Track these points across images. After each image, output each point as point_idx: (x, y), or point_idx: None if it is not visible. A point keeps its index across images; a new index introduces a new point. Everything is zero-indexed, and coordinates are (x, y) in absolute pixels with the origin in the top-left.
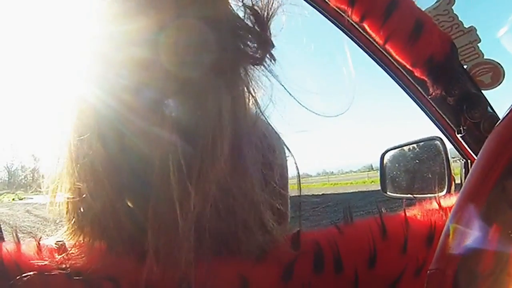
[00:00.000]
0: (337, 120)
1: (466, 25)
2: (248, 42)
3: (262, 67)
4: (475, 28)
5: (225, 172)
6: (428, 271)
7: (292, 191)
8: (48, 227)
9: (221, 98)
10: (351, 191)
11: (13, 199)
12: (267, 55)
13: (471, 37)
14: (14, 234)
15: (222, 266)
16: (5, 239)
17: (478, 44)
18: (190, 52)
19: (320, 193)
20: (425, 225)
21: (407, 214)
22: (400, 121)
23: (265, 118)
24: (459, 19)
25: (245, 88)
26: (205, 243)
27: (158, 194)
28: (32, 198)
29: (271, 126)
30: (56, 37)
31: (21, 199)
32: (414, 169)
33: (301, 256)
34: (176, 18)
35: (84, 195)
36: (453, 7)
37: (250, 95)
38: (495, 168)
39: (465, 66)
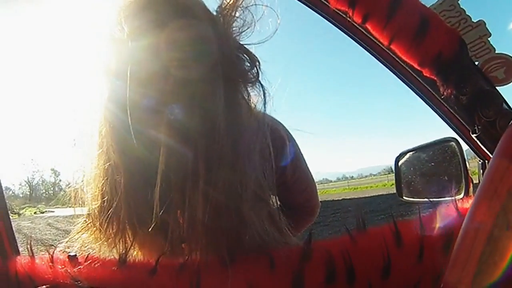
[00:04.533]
0: (354, 124)
1: (474, 19)
2: (241, 58)
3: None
4: (484, 21)
5: (226, 170)
6: (442, 285)
7: None
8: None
9: (223, 104)
10: (372, 195)
11: (34, 213)
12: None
13: (480, 32)
14: (28, 247)
15: (231, 273)
16: (23, 252)
17: (489, 39)
18: (196, 64)
19: (340, 198)
20: (442, 231)
21: (423, 219)
22: (419, 121)
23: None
24: (467, 13)
25: (245, 93)
26: (211, 240)
27: (165, 198)
28: (53, 212)
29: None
30: (69, 57)
31: (43, 212)
32: (430, 172)
33: (312, 266)
34: (182, 33)
35: (104, 201)
36: (459, 2)
37: (250, 98)
38: None
39: (476, 63)
